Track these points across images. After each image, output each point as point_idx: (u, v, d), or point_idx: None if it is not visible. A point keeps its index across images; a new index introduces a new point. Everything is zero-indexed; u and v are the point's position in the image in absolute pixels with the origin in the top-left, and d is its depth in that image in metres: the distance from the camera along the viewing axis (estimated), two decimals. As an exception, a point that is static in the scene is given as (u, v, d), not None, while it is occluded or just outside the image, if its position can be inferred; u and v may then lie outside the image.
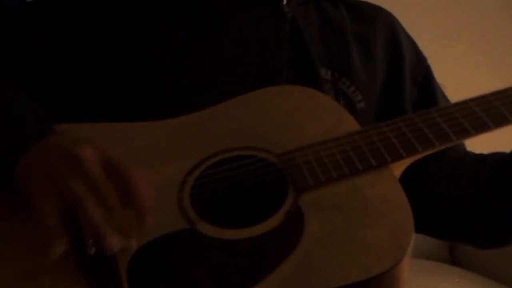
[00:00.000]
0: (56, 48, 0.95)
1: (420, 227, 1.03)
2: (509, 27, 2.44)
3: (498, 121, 0.85)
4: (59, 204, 0.72)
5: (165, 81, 0.94)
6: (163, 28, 0.96)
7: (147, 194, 0.73)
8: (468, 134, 0.84)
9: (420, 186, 1.04)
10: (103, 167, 0.74)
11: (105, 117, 0.88)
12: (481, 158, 1.06)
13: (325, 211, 0.77)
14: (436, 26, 2.24)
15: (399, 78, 1.08)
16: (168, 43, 0.96)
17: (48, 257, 0.71)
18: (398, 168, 0.85)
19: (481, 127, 0.84)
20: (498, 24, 2.42)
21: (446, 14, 2.37)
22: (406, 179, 0.88)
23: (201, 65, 0.96)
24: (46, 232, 0.71)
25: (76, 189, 0.72)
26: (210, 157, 0.84)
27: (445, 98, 1.12)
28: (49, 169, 0.74)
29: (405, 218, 0.75)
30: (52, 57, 0.95)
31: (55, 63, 0.95)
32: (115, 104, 0.93)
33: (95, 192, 0.72)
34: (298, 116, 0.89)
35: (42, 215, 0.72)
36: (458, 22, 2.37)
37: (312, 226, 0.75)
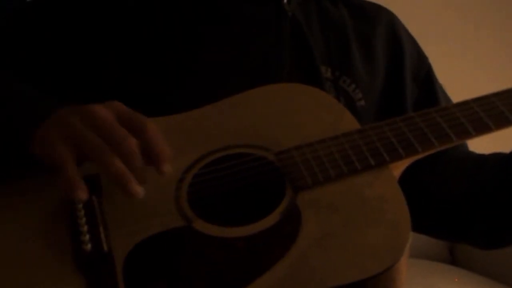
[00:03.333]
0: (57, 46, 0.95)
1: (421, 227, 1.04)
2: (507, 27, 2.43)
3: (500, 123, 0.84)
4: (77, 155, 0.73)
5: (165, 78, 0.94)
6: (163, 26, 0.96)
7: (164, 142, 0.74)
8: (468, 135, 0.84)
9: (422, 185, 1.03)
10: (118, 121, 0.75)
11: None
12: (482, 158, 1.06)
13: (323, 211, 0.77)
14: (435, 26, 2.24)
15: (399, 76, 1.07)
16: (168, 40, 0.95)
17: (76, 202, 0.73)
18: (398, 168, 0.84)
19: (482, 128, 0.84)
20: (497, 25, 2.42)
21: (445, 14, 2.36)
22: (407, 179, 0.88)
23: (201, 62, 0.95)
24: (68, 180, 0.72)
25: (94, 139, 0.73)
26: (208, 154, 0.84)
27: (446, 97, 1.11)
28: (66, 125, 0.75)
29: (402, 218, 0.75)
30: (54, 56, 0.95)
31: (57, 62, 0.94)
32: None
33: (113, 142, 0.73)
34: (298, 114, 0.89)
35: (63, 164, 0.72)
36: (457, 22, 2.36)
37: (309, 225, 0.75)
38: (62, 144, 0.74)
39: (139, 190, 0.72)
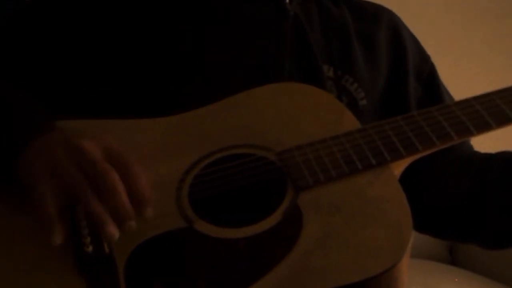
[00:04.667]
0: (57, 47, 0.94)
1: (424, 227, 1.04)
2: (507, 27, 2.43)
3: (501, 120, 0.84)
4: (60, 192, 0.73)
5: (166, 78, 0.93)
6: (163, 25, 0.96)
7: (147, 186, 0.74)
8: (470, 133, 0.83)
9: (427, 185, 1.04)
10: (104, 159, 0.75)
11: (106, 113, 0.88)
12: (488, 157, 1.06)
13: (324, 210, 0.76)
14: (435, 26, 2.24)
15: (402, 76, 1.07)
16: (169, 40, 0.95)
17: (49, 245, 0.72)
18: (398, 167, 0.84)
19: (483, 126, 0.84)
20: (498, 24, 2.42)
21: (445, 14, 2.36)
22: (412, 178, 0.88)
23: (202, 62, 0.95)
24: (45, 219, 0.72)
25: (76, 177, 0.73)
26: (209, 155, 0.84)
27: (449, 96, 1.11)
28: (51, 158, 0.75)
29: (404, 218, 0.74)
30: (54, 56, 0.94)
31: (57, 62, 0.94)
32: (115, 102, 0.92)
33: (96, 181, 0.73)
34: (299, 114, 0.88)
35: (42, 201, 0.72)
36: (458, 22, 2.37)
37: (311, 225, 0.75)
38: (45, 180, 0.74)
39: (113, 232, 0.72)
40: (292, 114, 0.88)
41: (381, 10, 1.12)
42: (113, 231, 0.72)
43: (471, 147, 1.10)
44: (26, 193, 0.75)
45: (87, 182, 0.73)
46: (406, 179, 0.84)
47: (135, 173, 0.75)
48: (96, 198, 0.72)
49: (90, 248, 0.74)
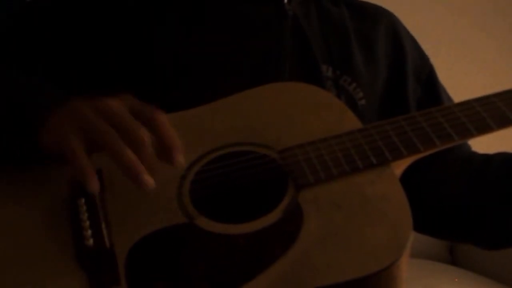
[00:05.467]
0: (56, 47, 0.95)
1: (424, 227, 1.04)
2: (507, 28, 2.43)
3: (501, 122, 0.84)
4: (88, 144, 0.73)
5: (167, 77, 0.94)
6: (164, 24, 0.96)
7: (175, 135, 0.74)
8: (470, 134, 0.84)
9: (426, 185, 1.04)
10: (130, 112, 0.75)
11: None
12: (487, 158, 1.06)
13: (324, 209, 0.77)
14: (434, 27, 2.24)
15: (401, 76, 1.08)
16: (169, 39, 0.96)
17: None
18: (399, 167, 0.84)
19: (484, 128, 0.84)
20: (497, 25, 2.42)
21: (445, 15, 2.36)
22: (412, 179, 0.88)
23: (202, 61, 0.96)
24: (82, 170, 0.72)
25: (104, 129, 0.73)
26: (210, 152, 0.84)
27: (448, 96, 1.12)
28: (78, 114, 0.75)
29: (404, 217, 0.75)
30: (54, 56, 0.95)
31: (57, 61, 0.95)
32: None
33: (125, 132, 0.73)
34: (300, 113, 0.89)
35: (75, 154, 0.72)
36: (457, 23, 2.37)
37: (311, 223, 0.75)
38: (74, 133, 0.74)
39: (150, 180, 0.72)
40: (293, 113, 0.88)
41: (380, 11, 1.12)
42: (148, 179, 0.71)
43: (469, 147, 1.10)
44: (56, 149, 0.75)
45: (116, 134, 0.73)
46: (405, 179, 0.85)
47: (162, 123, 0.75)
48: (127, 148, 0.72)
49: (91, 242, 0.74)
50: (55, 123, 0.77)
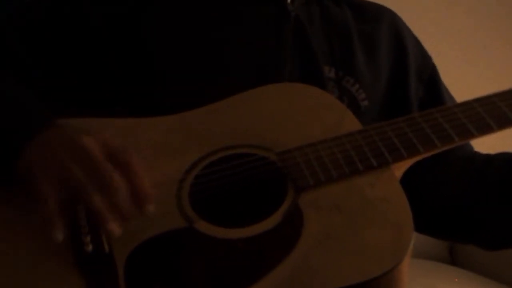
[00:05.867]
0: (55, 47, 0.94)
1: (424, 228, 1.04)
2: (508, 27, 2.43)
3: (502, 123, 0.84)
4: (61, 190, 0.73)
5: (166, 78, 0.93)
6: (164, 24, 0.96)
7: (147, 183, 0.74)
8: (471, 135, 0.83)
9: (428, 186, 1.04)
10: (104, 155, 0.75)
11: (105, 112, 0.88)
12: (488, 158, 1.06)
13: (325, 211, 0.76)
14: (436, 27, 2.24)
15: (404, 76, 1.07)
16: (170, 39, 0.95)
17: (49, 243, 0.72)
18: (399, 169, 0.84)
19: (484, 129, 0.84)
20: (499, 25, 2.42)
21: (447, 14, 2.36)
22: (412, 179, 0.87)
23: (203, 61, 0.95)
24: (47, 216, 0.72)
25: (78, 174, 0.73)
26: (210, 154, 0.84)
27: (451, 97, 1.11)
28: (52, 156, 0.75)
29: (405, 219, 0.74)
30: (53, 56, 0.94)
31: (56, 62, 0.94)
32: (114, 101, 0.92)
33: (97, 178, 0.73)
34: (300, 114, 0.88)
35: (43, 198, 0.73)
36: (459, 23, 2.36)
37: (311, 226, 0.75)
38: (46, 178, 0.74)
39: (115, 229, 0.72)
40: (293, 114, 0.88)
41: (382, 11, 1.11)
42: (114, 228, 0.72)
43: (471, 148, 1.10)
44: (27, 190, 0.75)
45: (88, 180, 0.73)
46: (406, 180, 0.84)
47: (135, 171, 0.75)
48: (97, 195, 0.72)
49: (90, 247, 0.74)
50: (29, 162, 0.77)
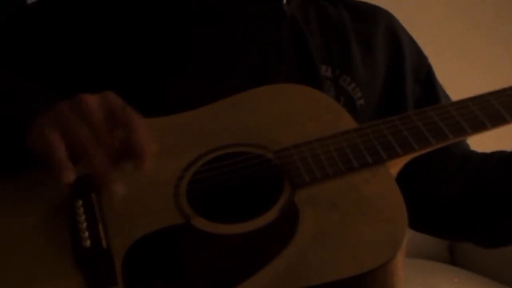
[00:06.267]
0: (54, 48, 0.95)
1: (422, 227, 1.04)
2: (503, 27, 2.43)
3: (496, 121, 0.85)
4: (66, 141, 0.74)
5: (163, 78, 0.94)
6: (163, 24, 0.96)
7: (147, 139, 0.74)
8: (465, 133, 0.84)
9: (425, 184, 1.04)
10: (106, 111, 0.76)
11: None
12: (485, 156, 1.06)
13: (320, 208, 0.77)
14: (432, 27, 2.24)
15: (400, 75, 1.08)
16: (168, 39, 0.96)
17: (63, 183, 0.72)
18: (395, 166, 0.85)
19: (478, 126, 0.84)
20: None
21: (442, 15, 2.36)
22: (409, 178, 0.88)
23: (200, 62, 0.96)
24: (57, 161, 0.72)
25: (79, 131, 0.74)
26: (207, 153, 0.85)
27: (446, 96, 1.12)
28: (55, 112, 0.77)
29: (399, 215, 0.75)
30: (52, 56, 0.95)
31: (55, 62, 0.95)
32: None
33: (97, 135, 0.73)
34: (296, 114, 0.89)
35: (52, 148, 0.73)
36: (454, 23, 2.37)
37: (307, 222, 0.76)
38: (50, 130, 0.75)
39: (119, 188, 0.72)
40: (290, 115, 0.89)
41: (378, 11, 1.12)
42: (119, 188, 0.72)
43: (467, 146, 1.11)
44: (38, 153, 0.75)
45: (88, 137, 0.74)
46: (403, 179, 0.85)
47: (138, 126, 0.75)
48: (102, 153, 0.73)
49: (88, 243, 0.74)
50: (37, 125, 0.78)
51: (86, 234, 0.75)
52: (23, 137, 0.78)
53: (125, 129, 0.75)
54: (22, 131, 0.79)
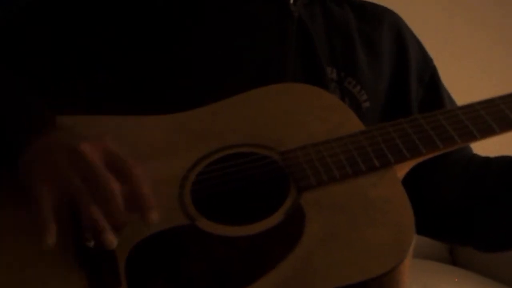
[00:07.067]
0: (53, 46, 0.94)
1: (424, 230, 1.03)
2: (506, 27, 2.42)
3: (505, 126, 0.84)
4: (56, 196, 0.73)
5: (167, 78, 0.93)
6: (167, 24, 0.96)
7: (149, 190, 0.74)
8: (473, 137, 0.84)
9: (426, 188, 1.04)
10: (104, 163, 0.74)
11: (106, 111, 0.88)
12: (486, 161, 1.06)
13: (327, 211, 0.77)
14: (438, 28, 2.23)
15: (405, 78, 1.07)
16: (171, 39, 0.95)
17: (43, 247, 0.72)
18: (402, 170, 0.84)
19: (487, 131, 0.84)
20: (501, 26, 2.41)
21: (448, 16, 2.36)
22: (411, 181, 0.87)
23: (207, 62, 0.95)
24: (40, 220, 0.72)
25: (74, 182, 0.73)
26: (212, 153, 0.84)
27: (451, 99, 1.11)
28: (51, 161, 0.75)
29: (406, 220, 0.75)
30: (52, 54, 0.94)
31: (54, 60, 0.94)
32: (115, 98, 0.93)
33: (94, 187, 0.73)
34: (303, 115, 0.88)
35: (38, 203, 0.73)
36: (460, 24, 2.36)
37: (313, 225, 0.75)
38: (43, 183, 0.74)
39: (111, 239, 0.72)
40: (296, 114, 0.88)
41: (384, 12, 1.11)
42: (111, 238, 0.72)
43: (470, 150, 1.10)
44: (26, 192, 0.75)
45: (86, 188, 0.73)
46: (407, 182, 0.84)
47: (135, 178, 0.74)
48: (94, 204, 0.72)
49: (92, 243, 0.74)
50: (27, 162, 0.77)
51: (90, 234, 0.74)
52: (15, 154, 0.78)
53: (125, 179, 0.74)
54: (13, 155, 0.79)
